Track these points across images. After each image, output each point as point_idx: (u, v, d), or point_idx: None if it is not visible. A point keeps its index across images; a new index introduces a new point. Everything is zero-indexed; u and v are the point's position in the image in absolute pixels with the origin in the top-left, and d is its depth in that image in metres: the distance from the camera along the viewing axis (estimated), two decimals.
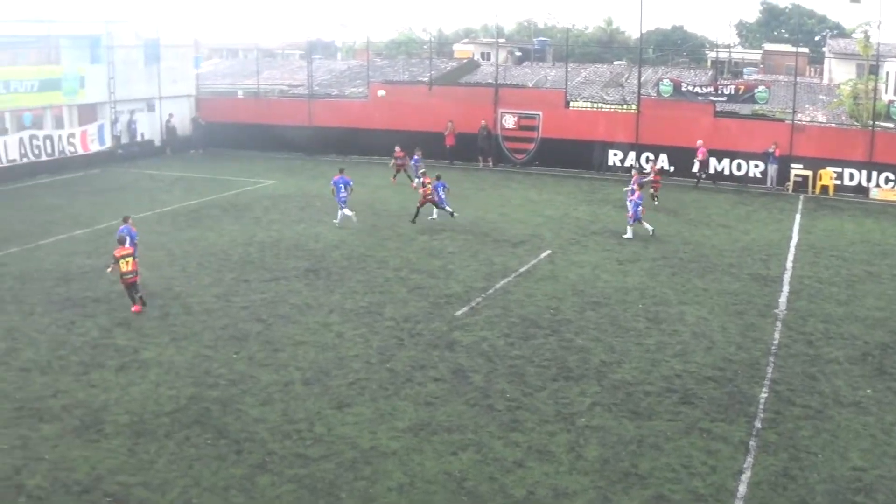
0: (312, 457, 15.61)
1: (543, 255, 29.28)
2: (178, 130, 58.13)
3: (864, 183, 43.52)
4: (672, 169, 45.51)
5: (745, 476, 15.13)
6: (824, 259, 30.08)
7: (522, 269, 27.72)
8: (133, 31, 55.85)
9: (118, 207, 36.91)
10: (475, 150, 49.61)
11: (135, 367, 20.00)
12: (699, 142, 44.44)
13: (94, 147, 52.08)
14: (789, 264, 29.57)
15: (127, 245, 24.69)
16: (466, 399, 17.93)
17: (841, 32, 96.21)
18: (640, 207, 32.16)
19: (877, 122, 45.22)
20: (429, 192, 34.18)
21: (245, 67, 72.05)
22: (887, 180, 43.07)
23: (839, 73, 70.90)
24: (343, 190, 34.23)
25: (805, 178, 44.01)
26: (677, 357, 20.40)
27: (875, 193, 43.19)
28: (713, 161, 44.97)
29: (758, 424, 17.16)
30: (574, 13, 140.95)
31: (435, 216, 34.77)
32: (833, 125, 49.68)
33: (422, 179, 35.51)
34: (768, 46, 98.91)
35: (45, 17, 52.21)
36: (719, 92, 47.07)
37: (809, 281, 27.58)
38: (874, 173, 43.33)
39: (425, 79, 55.08)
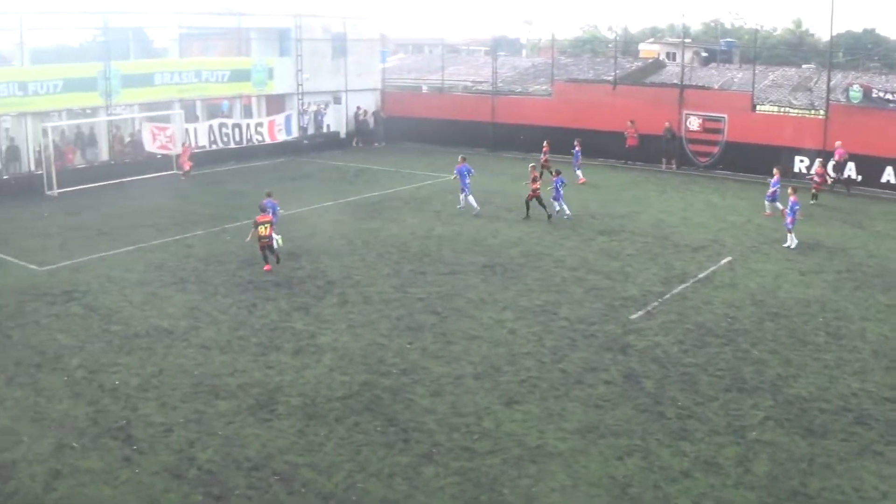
0: (478, 451, 15.82)
1: (723, 261, 28.78)
2: (374, 121, 59.42)
3: None
4: (860, 178, 43.96)
5: None
6: None
7: (701, 275, 27.31)
8: (321, 25, 57.30)
9: (301, 196, 38.27)
10: (657, 151, 49.02)
11: (310, 352, 20.68)
12: (837, 143, 43.01)
13: (281, 137, 53.82)
14: None
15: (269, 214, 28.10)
16: (636, 404, 17.85)
17: None
18: (797, 213, 30.98)
19: None
20: (538, 186, 34.60)
21: (430, 63, 72.88)
22: None
23: None
24: (467, 177, 35.81)
25: None
26: (855, 375, 19.74)
27: None
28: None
29: None
30: (762, 14, 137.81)
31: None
32: None
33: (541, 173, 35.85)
34: None
35: (237, 10, 54.16)
36: None
37: None
38: None
39: (609, 78, 54.70)
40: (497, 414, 17.34)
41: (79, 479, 14.76)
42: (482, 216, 35.04)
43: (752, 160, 45.21)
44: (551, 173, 38.85)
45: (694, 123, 48.54)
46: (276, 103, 56.10)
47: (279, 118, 54.45)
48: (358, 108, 59.81)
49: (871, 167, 43.15)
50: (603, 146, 49.96)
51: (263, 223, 27.58)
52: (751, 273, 27.58)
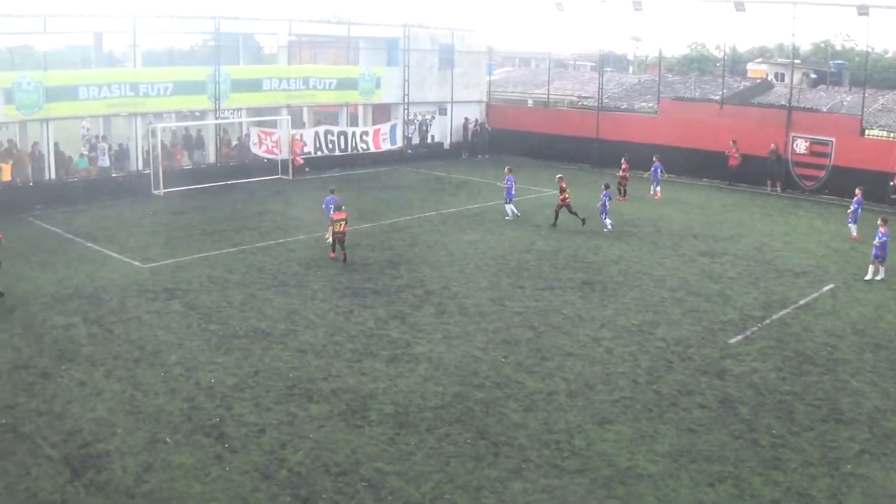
0: (568, 469, 15.65)
1: (825, 288, 28.14)
2: (479, 134, 59.57)
3: None
4: None
5: None
6: None
7: (802, 302, 26.73)
8: (429, 36, 57.66)
9: (403, 205, 38.53)
10: (762, 172, 48.18)
11: (405, 360, 20.71)
12: None
13: (385, 146, 54.26)
14: None
15: (332, 211, 30.08)
16: (730, 430, 17.49)
17: None
18: (886, 247, 29.21)
19: None
20: (566, 196, 35.55)
21: (536, 77, 72.86)
22: None
23: None
24: (513, 188, 37.61)
25: None
26: None
27: None
28: None
29: None
30: (873, 36, 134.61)
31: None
32: None
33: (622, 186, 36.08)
34: None
35: (346, 19, 54.70)
36: None
37: None
38: None
39: (716, 97, 54.07)
40: (588, 433, 17.15)
41: (170, 474, 14.96)
42: (583, 233, 34.78)
43: (858, 185, 44.16)
44: (620, 191, 39.08)
45: (801, 146, 47.64)
46: (381, 112, 56.59)
47: (384, 127, 54.89)
48: (466, 119, 60.02)
49: None
50: (708, 166, 49.40)
51: (339, 220, 29.46)
52: (853, 301, 26.90)
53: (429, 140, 58.76)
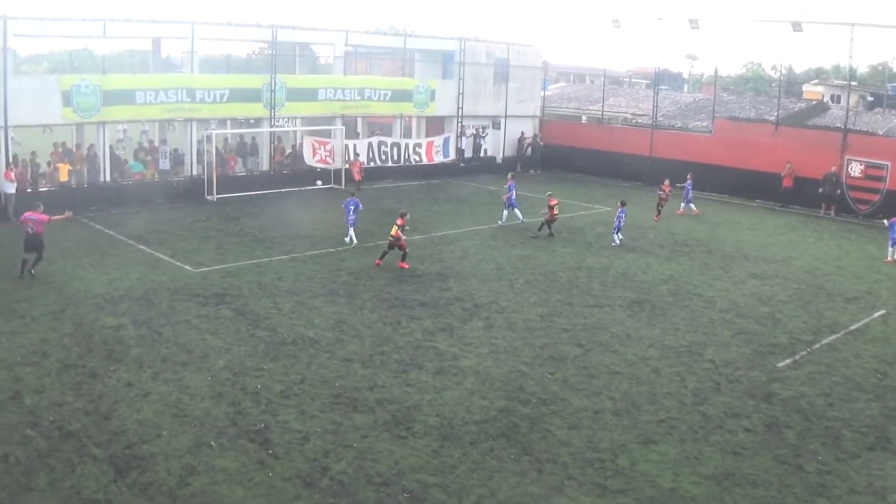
0: (611, 488, 15.53)
1: (877, 314, 27.75)
2: (532, 149, 59.57)
3: None
4: None
5: None
6: None
7: (853, 327, 26.37)
8: (485, 50, 57.75)
9: (454, 218, 38.63)
10: (816, 195, 47.67)
11: (452, 373, 20.68)
12: None
13: (438, 158, 54.37)
14: None
15: (351, 214, 32.95)
16: (776, 455, 17.28)
17: None
18: None
19: None
20: (556, 213, 36.24)
21: (591, 93, 72.65)
22: None
23: None
24: (513, 194, 39.34)
25: None
26: None
27: None
28: None
29: None
30: None
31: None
32: None
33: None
34: None
35: (402, 31, 54.94)
36: None
37: None
38: None
39: (771, 118, 53.63)
40: (633, 452, 17.03)
41: (213, 478, 15.04)
42: (634, 251, 34.62)
43: None
44: (658, 211, 39.17)
45: (856, 170, 47.09)
46: (435, 125, 56.73)
47: (438, 140, 55.02)
48: (523, 133, 60.07)
49: None
50: (762, 188, 49.00)
51: (400, 225, 29.90)
52: None
53: (482, 154, 58.77)
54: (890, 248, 35.29)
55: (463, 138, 56.94)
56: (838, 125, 50.74)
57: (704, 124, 56.82)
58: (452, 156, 55.90)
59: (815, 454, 17.40)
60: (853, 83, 67.09)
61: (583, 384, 20.38)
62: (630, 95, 73.40)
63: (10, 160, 37.51)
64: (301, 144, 49.79)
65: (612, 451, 16.98)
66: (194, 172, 44.08)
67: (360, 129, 56.04)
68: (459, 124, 56.57)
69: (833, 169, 46.89)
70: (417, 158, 53.54)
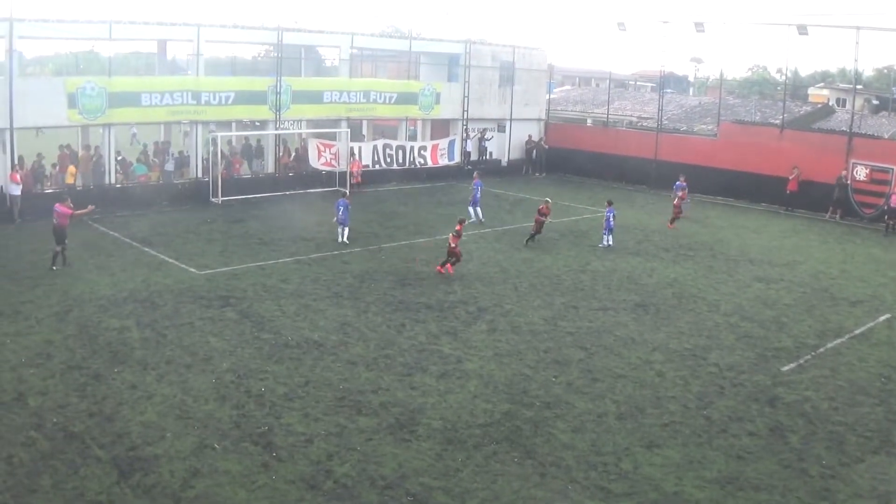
0: (614, 492, 15.52)
1: (882, 318, 27.70)
2: (536, 152, 59.59)
3: None
4: None
5: None
6: None
7: (858, 331, 26.34)
8: (491, 53, 57.77)
9: (455, 222, 38.38)
10: (820, 199, 47.58)
11: (455, 376, 20.68)
12: None
13: (443, 161, 54.39)
14: None
15: (341, 213, 33.77)
16: (780, 459, 17.26)
17: None
18: None
19: None
20: (543, 220, 35.75)
21: (596, 96, 72.64)
22: None
23: None
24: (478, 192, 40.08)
25: None
26: None
27: None
28: None
29: None
30: None
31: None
32: None
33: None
34: None
35: (408, 34, 54.97)
36: None
37: None
38: None
39: (777, 121, 53.61)
40: (636, 456, 17.02)
41: (216, 480, 15.05)
42: (639, 254, 34.61)
43: None
44: (673, 221, 38.95)
45: (861, 173, 47.02)
46: (440, 128, 56.75)
47: (443, 143, 55.05)
48: (530, 136, 60.12)
49: None
50: (766, 191, 48.94)
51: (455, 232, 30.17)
52: None
53: (486, 157, 58.79)
54: None
55: (468, 141, 56.94)
56: (844, 129, 50.70)
57: (709, 128, 56.86)
58: (457, 159, 55.91)
59: (819, 458, 17.38)
60: (859, 87, 67.03)
61: (586, 388, 20.37)
62: (635, 98, 73.46)
63: (16, 162, 37.53)
64: (304, 147, 49.84)
65: (616, 455, 16.97)
66: (199, 175, 44.07)
67: (365, 132, 56.11)
68: (464, 127, 56.57)
69: (843, 173, 46.82)
70: (422, 161, 53.56)
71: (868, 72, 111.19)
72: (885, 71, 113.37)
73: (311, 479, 15.32)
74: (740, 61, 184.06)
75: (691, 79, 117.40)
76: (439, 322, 24.73)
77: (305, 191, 45.81)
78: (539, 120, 61.78)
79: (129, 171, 43.34)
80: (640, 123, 62.92)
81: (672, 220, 41.04)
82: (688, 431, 18.28)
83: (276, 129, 47.24)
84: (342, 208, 33.75)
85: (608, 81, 69.51)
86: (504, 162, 59.55)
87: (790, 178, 47.88)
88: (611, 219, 35.65)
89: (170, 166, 44.45)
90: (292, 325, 23.74)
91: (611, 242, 35.74)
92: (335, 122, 50.07)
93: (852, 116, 52.07)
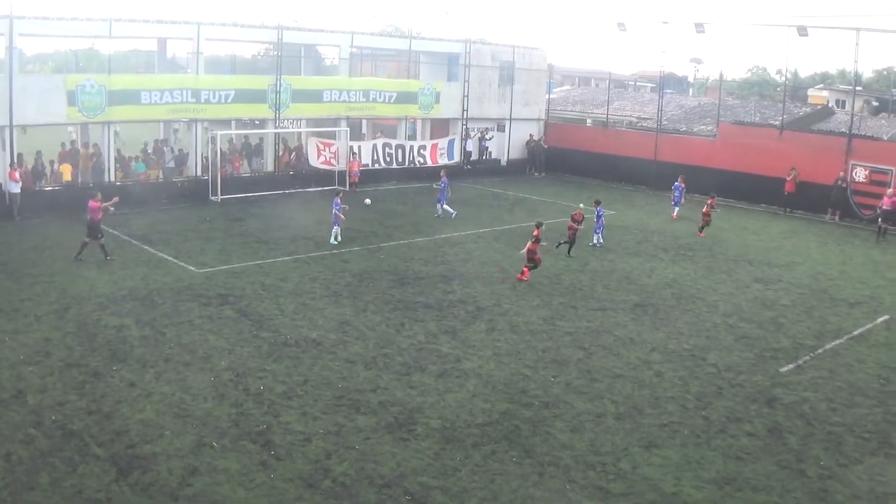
0: (612, 492, 15.54)
1: (880, 319, 27.73)
2: (535, 152, 59.61)
3: None
4: None
5: None
6: None
7: (856, 332, 26.37)
8: (491, 52, 57.77)
9: (458, 221, 38.57)
10: (820, 199, 47.61)
11: (454, 376, 20.68)
12: (890, 191, 42.35)
13: (443, 160, 54.41)
14: None
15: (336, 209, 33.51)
16: (778, 460, 17.29)
17: None
18: None
19: None
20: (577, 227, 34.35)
21: (596, 96, 72.65)
22: None
23: None
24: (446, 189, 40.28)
25: None
26: None
27: None
28: None
29: None
30: None
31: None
32: None
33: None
34: None
35: (408, 34, 54.97)
36: None
37: None
38: None
39: (776, 122, 53.63)
40: (635, 456, 17.03)
41: (214, 478, 15.05)
42: (639, 255, 34.63)
43: None
44: (702, 229, 38.56)
45: (860, 175, 47.06)
46: (440, 127, 56.77)
47: (442, 142, 55.07)
48: (532, 136, 60.15)
49: None
50: (766, 192, 48.97)
51: (533, 238, 29.56)
52: None
53: (486, 156, 58.80)
54: None
55: (468, 140, 56.94)
56: (843, 130, 50.71)
57: (709, 128, 56.86)
58: (457, 158, 55.90)
59: (818, 459, 17.41)
60: (858, 88, 67.06)
61: (585, 387, 20.38)
62: (635, 99, 73.43)
63: (15, 159, 37.52)
64: (304, 146, 49.84)
65: (615, 455, 16.99)
66: (199, 173, 44.06)
67: (364, 131, 56.11)
68: (464, 126, 56.57)
69: (841, 174, 46.86)
70: (422, 160, 53.56)
71: (868, 73, 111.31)
72: (885, 72, 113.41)
73: (310, 477, 15.32)
74: (740, 62, 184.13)
75: (691, 79, 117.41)
76: (438, 321, 24.73)
77: (304, 189, 45.79)
78: (538, 120, 61.78)
79: (129, 170, 43.33)
80: (639, 124, 62.90)
81: (701, 228, 40.33)
82: (686, 432, 18.30)
83: (276, 127, 47.22)
84: (336, 209, 33.63)
85: (608, 81, 69.53)
86: (503, 161, 59.53)
87: (787, 179, 47.96)
88: (602, 218, 35.87)
89: (170, 163, 44.47)
90: (291, 324, 23.75)
91: (601, 241, 35.80)
92: (335, 121, 50.06)
93: (852, 118, 52.05)
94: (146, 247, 32.10)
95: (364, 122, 55.59)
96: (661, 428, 18.42)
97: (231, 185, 43.61)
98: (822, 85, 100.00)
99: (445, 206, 40.27)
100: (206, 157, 44.12)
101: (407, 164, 52.76)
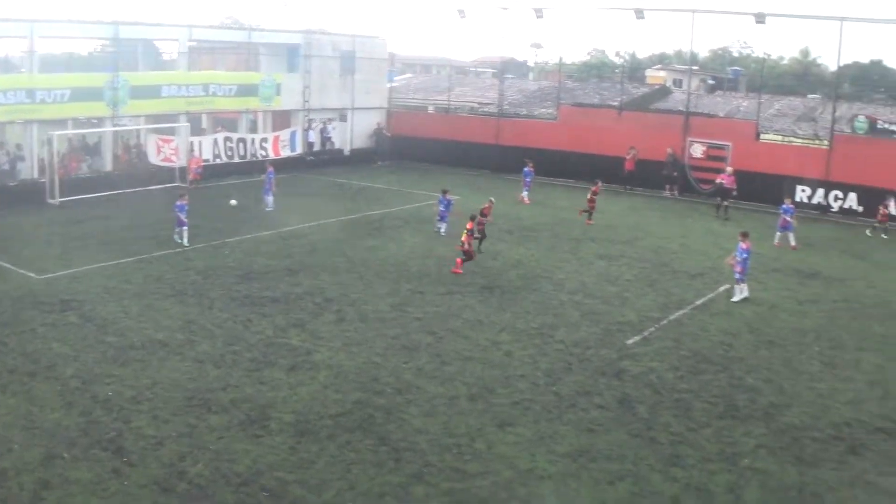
0: (469, 472, 15.76)
1: (721, 289, 28.73)
2: (378, 140, 59.67)
3: None
4: (861, 209, 44.08)
5: None
6: None
7: (698, 302, 27.31)
8: (331, 42, 57.54)
9: (303, 213, 38.32)
10: (659, 177, 49.07)
11: (305, 368, 20.61)
12: (729, 169, 44.08)
13: (286, 153, 54.01)
14: None
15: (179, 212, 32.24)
16: (629, 429, 17.81)
17: None
18: (747, 263, 27.92)
19: None
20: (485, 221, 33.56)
21: (437, 83, 73.09)
22: None
23: None
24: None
25: None
26: (849, 404, 19.75)
27: None
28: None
29: None
30: (770, 43, 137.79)
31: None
32: None
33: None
34: None
35: (247, 26, 54.33)
36: None
37: None
38: None
39: (615, 103, 54.88)
40: (489, 436, 17.29)
41: (67, 490, 14.70)
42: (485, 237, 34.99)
43: (754, 189, 45.13)
44: (590, 216, 39.30)
45: (698, 151, 48.62)
46: (282, 119, 56.32)
47: (284, 134, 54.64)
48: (378, 124, 60.19)
49: (873, 198, 43.08)
50: (607, 171, 49.98)
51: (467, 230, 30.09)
52: (747, 301, 27.54)
53: (329, 147, 58.60)
54: (779, 233, 36.51)
55: (310, 132, 56.64)
56: (681, 108, 52.28)
57: (550, 111, 57.77)
58: (300, 149, 55.57)
59: (667, 426, 18.02)
60: (694, 67, 69.11)
61: (436, 371, 20.59)
62: (476, 85, 74.14)
63: None
64: (141, 143, 48.81)
65: (469, 436, 17.22)
66: (36, 175, 42.74)
67: (205, 125, 55.30)
68: (306, 118, 56.26)
69: (669, 150, 48.27)
70: (264, 153, 52.95)
71: (703, 53, 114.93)
72: (720, 52, 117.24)
73: (165, 481, 15.10)
74: (579, 46, 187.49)
75: (531, 64, 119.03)
76: (286, 315, 24.59)
77: (146, 188, 44.83)
78: (381, 108, 61.84)
79: None
80: (481, 109, 63.54)
81: (589, 215, 39.95)
82: (538, 408, 18.67)
83: (114, 125, 46.15)
84: (180, 212, 32.80)
85: (448, 68, 70.00)
86: (347, 151, 59.42)
87: (627, 157, 49.21)
88: (449, 206, 35.86)
89: (5, 166, 42.92)
90: (136, 327, 23.26)
91: (443, 231, 35.83)
92: (174, 117, 49.13)
93: (688, 96, 53.71)
94: None
95: (204, 116, 54.75)
96: (513, 406, 18.74)
97: (70, 186, 42.39)
98: (659, 65, 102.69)
99: (268, 198, 39.97)
100: (43, 159, 42.83)
101: (249, 157, 52.12)
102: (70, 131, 47.43)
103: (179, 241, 32.69)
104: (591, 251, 33.39)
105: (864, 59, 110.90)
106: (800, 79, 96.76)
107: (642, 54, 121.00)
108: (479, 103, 65.19)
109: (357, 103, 59.48)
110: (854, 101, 63.56)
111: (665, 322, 25.15)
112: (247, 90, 52.46)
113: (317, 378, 19.99)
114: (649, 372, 21.10)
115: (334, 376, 20.13)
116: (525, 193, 44.71)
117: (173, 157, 47.02)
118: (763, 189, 45.34)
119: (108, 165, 46.70)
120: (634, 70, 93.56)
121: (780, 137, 50.11)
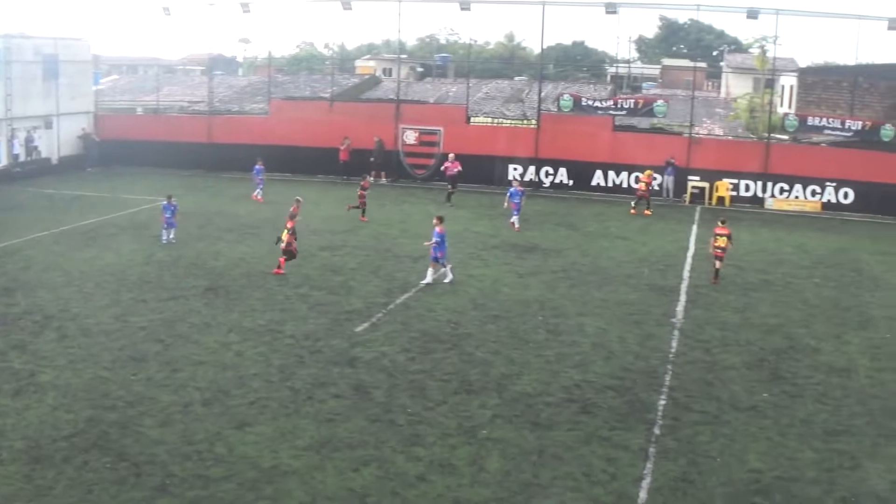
0: (213, 477, 15.36)
1: (443, 269, 29.26)
2: (86, 146, 57.27)
3: (759, 193, 44.84)
4: (571, 182, 46.06)
5: (646, 482, 15.40)
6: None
7: (422, 284, 27.74)
8: (32, 47, 54.81)
9: (12, 228, 36.22)
10: (371, 165, 49.53)
11: (31, 391, 19.46)
12: (451, 155, 45.28)
13: None
14: (686, 274, 30.20)
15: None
16: (367, 415, 17.86)
17: (738, 48, 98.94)
18: (445, 245, 28.45)
19: (772, 135, 46.47)
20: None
21: (145, 83, 71.21)
22: (782, 191, 44.34)
23: (736, 87, 72.80)
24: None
25: (702, 189, 45.07)
26: (577, 368, 20.62)
27: (770, 204, 44.47)
28: (612, 174, 46.04)
29: (657, 431, 17.52)
30: (476, 29, 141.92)
31: None
32: (730, 138, 50.94)
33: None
34: (667, 61, 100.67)
35: None
36: (619, 106, 47.94)
37: (706, 290, 28.20)
38: (769, 184, 44.74)
39: (327, 95, 54.98)
40: (229, 438, 16.92)
41: None
42: (203, 239, 34.27)
43: (467, 171, 46.17)
44: (363, 213, 38.63)
45: (410, 137, 49.39)
46: None
47: None
48: (84, 129, 57.71)
49: (581, 172, 45.12)
50: (322, 163, 50.17)
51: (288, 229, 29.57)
52: (470, 279, 28.25)
53: (35, 156, 55.80)
54: (515, 216, 37.29)
55: (15, 142, 53.76)
56: (391, 97, 52.97)
57: (261, 106, 57.30)
58: (4, 161, 52.65)
59: (405, 407, 18.23)
60: (403, 56, 70.27)
61: (168, 380, 19.98)
62: (185, 83, 72.79)
63: None
64: None
65: (209, 441, 16.81)
66: None
67: None
68: (9, 127, 53.38)
69: (376, 139, 48.88)
70: None
71: (412, 42, 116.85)
72: (428, 39, 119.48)
73: None
74: (288, 39, 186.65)
75: (240, 59, 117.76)
76: (5, 337, 23.09)
77: None
78: (88, 112, 59.44)
79: None
80: (191, 108, 62.31)
81: (363, 212, 38.99)
82: (275, 405, 18.46)
83: None
84: None
85: (156, 68, 68.26)
86: (55, 160, 56.76)
87: (341, 148, 49.45)
88: (174, 212, 34.27)
89: None
90: None
91: (172, 238, 34.17)
92: None
93: (398, 84, 54.49)
94: None
95: None
96: (249, 406, 18.44)
97: None
98: (368, 56, 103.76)
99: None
100: None
101: None
102: None
103: None
104: (312, 243, 33.24)
105: (567, 41, 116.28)
106: (506, 62, 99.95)
107: (351, 45, 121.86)
108: (189, 102, 63.89)
109: (62, 109, 56.80)
110: (559, 80, 66.32)
111: (392, 306, 25.43)
112: None
113: (44, 400, 18.90)
114: (381, 357, 21.26)
115: (63, 396, 19.10)
116: (259, 191, 43.96)
117: None
118: (477, 170, 46.54)
119: None
120: (344, 61, 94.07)
121: (489, 120, 51.65)
